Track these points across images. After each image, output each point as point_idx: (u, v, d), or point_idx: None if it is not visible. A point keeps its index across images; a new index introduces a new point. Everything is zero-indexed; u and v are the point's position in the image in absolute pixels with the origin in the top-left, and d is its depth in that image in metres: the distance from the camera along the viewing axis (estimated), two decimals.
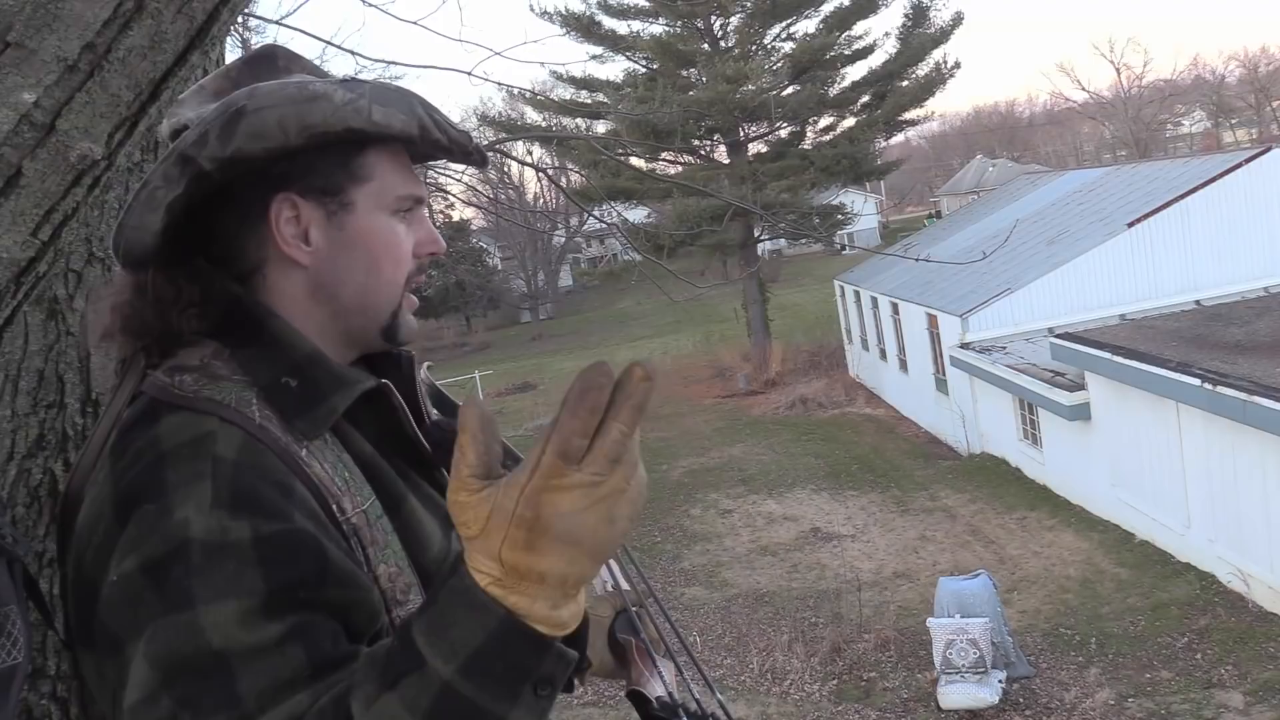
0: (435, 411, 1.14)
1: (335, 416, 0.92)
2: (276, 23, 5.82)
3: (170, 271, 0.96)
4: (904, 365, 19.94)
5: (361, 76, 1.03)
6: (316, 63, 1.08)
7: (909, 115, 26.73)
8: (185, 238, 0.96)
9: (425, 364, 1.14)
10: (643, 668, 1.20)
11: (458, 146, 1.01)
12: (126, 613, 0.78)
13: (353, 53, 4.08)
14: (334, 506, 0.87)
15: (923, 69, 25.90)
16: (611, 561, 1.23)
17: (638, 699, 1.18)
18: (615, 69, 38.83)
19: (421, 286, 1.06)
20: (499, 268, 46.76)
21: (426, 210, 1.06)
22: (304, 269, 0.96)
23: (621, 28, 25.86)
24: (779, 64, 25.48)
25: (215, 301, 0.95)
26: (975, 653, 8.67)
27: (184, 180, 0.91)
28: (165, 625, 0.75)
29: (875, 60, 26.36)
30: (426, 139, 0.98)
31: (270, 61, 1.03)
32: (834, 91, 26.12)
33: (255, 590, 0.77)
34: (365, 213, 0.97)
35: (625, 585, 1.22)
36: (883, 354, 21.52)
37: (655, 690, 1.17)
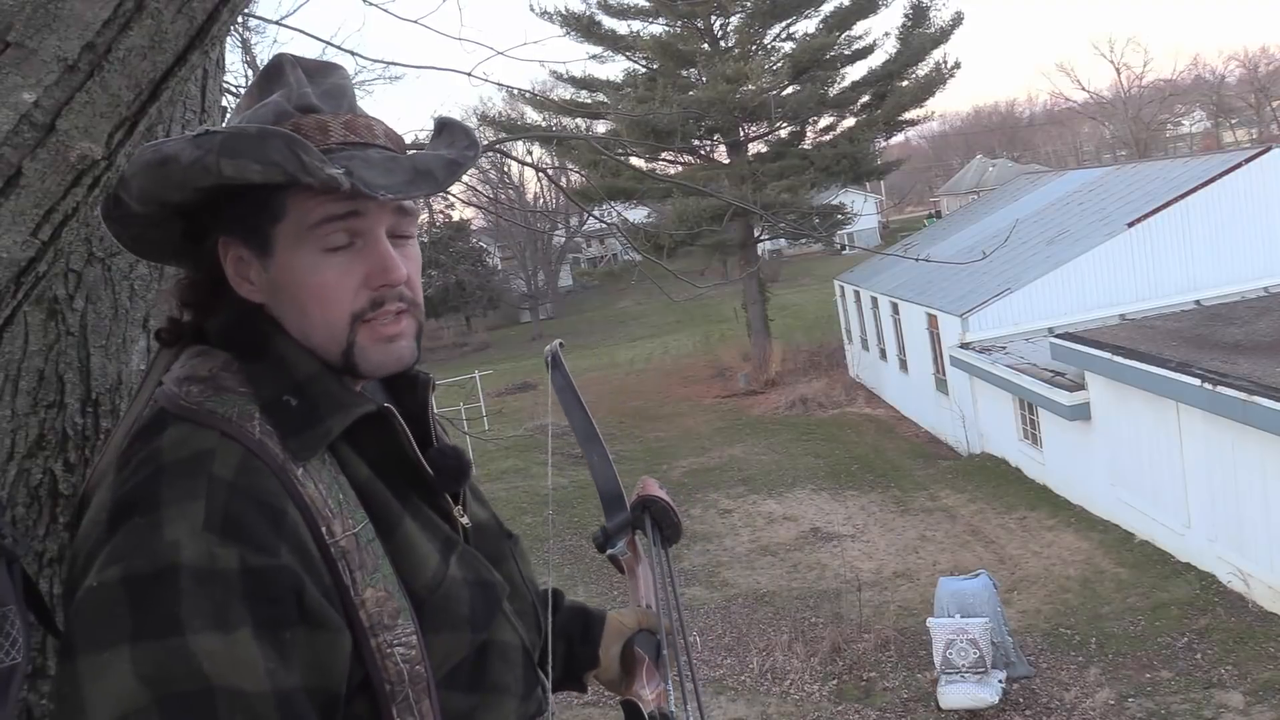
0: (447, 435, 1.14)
1: (330, 439, 0.92)
2: (276, 23, 5.82)
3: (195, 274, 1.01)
4: (904, 365, 19.94)
5: (233, 126, 0.90)
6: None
7: (909, 115, 26.71)
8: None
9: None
10: (645, 683, 1.23)
11: (331, 189, 0.87)
12: (96, 622, 0.78)
13: (352, 53, 4.06)
14: (324, 529, 0.88)
15: (923, 69, 25.90)
16: (655, 587, 1.34)
17: (631, 708, 1.20)
18: (615, 69, 38.96)
19: (390, 316, 0.96)
20: (499, 268, 46.73)
21: (383, 232, 0.95)
22: (263, 304, 0.96)
23: (621, 28, 25.86)
24: (779, 64, 25.45)
25: (226, 307, 0.97)
26: (975, 653, 8.67)
27: (166, 215, 0.95)
28: (154, 648, 0.76)
29: (875, 60, 26.38)
30: (298, 185, 0.88)
31: (278, 73, 1.00)
32: (834, 91, 26.09)
33: (242, 622, 0.78)
34: (283, 252, 0.93)
35: (656, 609, 1.29)
36: (883, 354, 21.52)
37: (648, 700, 1.19)
